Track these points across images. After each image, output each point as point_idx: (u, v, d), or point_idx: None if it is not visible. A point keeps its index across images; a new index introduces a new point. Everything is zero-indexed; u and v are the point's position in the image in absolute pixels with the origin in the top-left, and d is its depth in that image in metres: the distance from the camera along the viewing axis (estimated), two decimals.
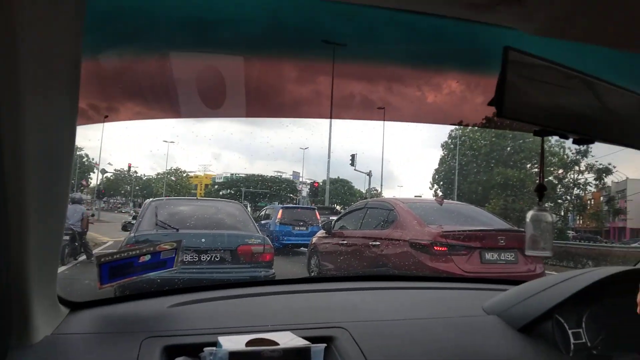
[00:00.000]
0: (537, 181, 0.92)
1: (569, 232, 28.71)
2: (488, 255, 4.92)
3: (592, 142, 0.92)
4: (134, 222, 5.97)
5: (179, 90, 1.16)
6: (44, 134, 0.77)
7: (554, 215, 0.94)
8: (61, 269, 7.73)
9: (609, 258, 12.91)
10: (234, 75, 1.15)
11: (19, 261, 0.80)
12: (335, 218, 7.44)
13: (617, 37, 0.81)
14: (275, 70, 1.41)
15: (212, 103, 1.16)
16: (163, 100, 1.23)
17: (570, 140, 0.94)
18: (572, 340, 1.20)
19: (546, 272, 4.99)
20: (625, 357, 1.13)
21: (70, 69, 0.80)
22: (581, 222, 33.76)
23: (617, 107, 0.93)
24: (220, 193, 40.32)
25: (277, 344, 0.96)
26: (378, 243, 5.53)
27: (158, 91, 1.22)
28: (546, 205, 0.92)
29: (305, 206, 19.55)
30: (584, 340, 1.21)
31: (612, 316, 1.26)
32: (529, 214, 0.90)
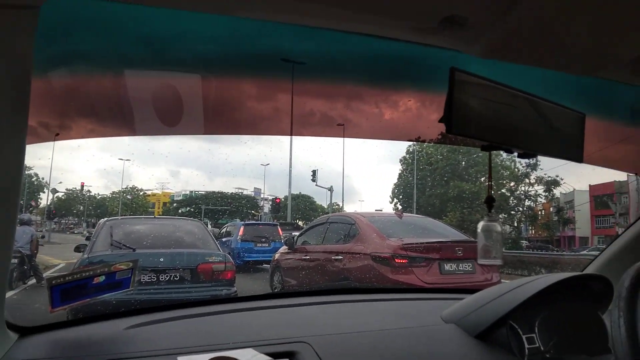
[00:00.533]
0: (487, 195, 0.97)
1: (522, 241, 29.86)
2: (447, 266, 5.05)
3: (535, 156, 0.99)
4: (87, 242, 5.74)
5: (134, 108, 1.14)
6: None
7: (502, 226, 0.99)
8: (9, 293, 7.29)
9: (560, 265, 13.51)
10: (191, 93, 1.15)
11: None
12: (297, 234, 7.43)
13: (552, 58, 0.88)
14: (234, 88, 1.42)
15: (168, 121, 1.15)
16: (117, 118, 1.21)
17: (516, 155, 1.00)
18: (526, 345, 1.25)
19: (502, 280, 5.16)
20: (575, 359, 1.19)
21: (20, 86, 0.78)
22: (533, 232, 35.19)
23: (558, 124, 1.01)
24: (180, 211, 39.36)
25: None
26: (340, 257, 5.56)
27: (112, 109, 1.20)
28: (498, 216, 0.98)
29: (267, 222, 19.39)
30: (537, 345, 1.26)
31: (563, 320, 1.33)
32: (480, 225, 0.95)
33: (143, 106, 1.15)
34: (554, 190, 29.15)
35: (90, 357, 0.97)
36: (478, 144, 0.95)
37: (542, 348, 1.27)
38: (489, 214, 0.95)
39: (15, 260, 7.91)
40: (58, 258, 12.01)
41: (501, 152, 0.98)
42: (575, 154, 1.05)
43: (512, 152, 0.95)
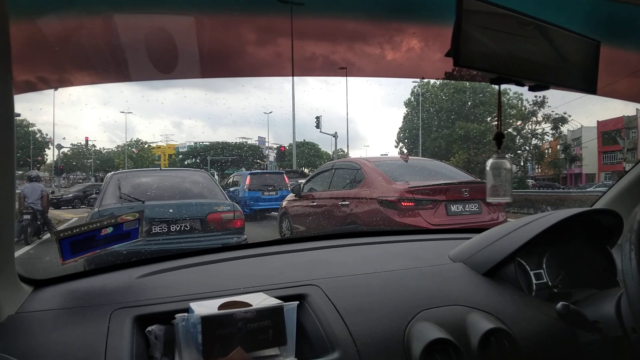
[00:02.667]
0: (500, 130, 0.94)
1: (528, 180, 29.92)
2: (453, 208, 5.08)
3: (547, 89, 0.94)
4: (97, 196, 5.81)
5: (127, 54, 1.10)
6: None
7: (512, 163, 0.97)
8: (26, 248, 7.51)
9: (567, 202, 13.58)
10: (185, 36, 1.10)
11: None
12: (303, 181, 7.47)
13: None
14: (230, 30, 1.35)
15: (164, 65, 1.11)
16: (112, 65, 1.16)
17: (527, 88, 0.95)
18: (534, 281, 1.26)
19: (508, 219, 5.20)
20: (584, 293, 1.20)
21: None
22: (540, 170, 35.17)
23: (570, 53, 0.95)
24: (186, 163, 39.54)
25: (249, 305, 0.96)
26: (347, 202, 5.60)
27: (107, 55, 1.15)
28: (505, 155, 0.95)
29: (273, 171, 19.48)
30: (545, 280, 1.28)
31: (570, 256, 1.33)
32: (489, 162, 0.93)
33: (137, 51, 1.10)
34: (561, 127, 28.81)
35: (104, 306, 0.99)
36: (486, 77, 0.91)
37: (550, 283, 1.29)
38: (498, 151, 0.92)
39: (28, 217, 8.09)
40: (70, 213, 12.25)
41: (509, 88, 0.94)
42: (588, 85, 1.00)
43: (522, 85, 0.91)
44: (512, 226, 1.34)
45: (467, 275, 1.27)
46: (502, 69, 0.85)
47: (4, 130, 0.81)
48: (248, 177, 12.17)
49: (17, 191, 8.89)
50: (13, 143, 0.85)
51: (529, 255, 1.29)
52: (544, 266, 1.31)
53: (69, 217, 11.77)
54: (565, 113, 28.40)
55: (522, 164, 30.66)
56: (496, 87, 0.92)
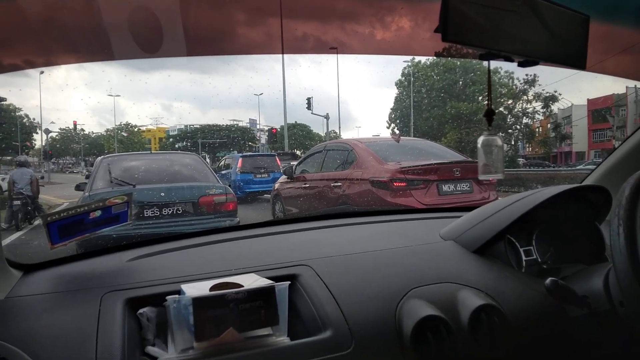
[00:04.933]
0: (491, 107, 0.93)
1: (519, 159, 30.12)
2: (445, 187, 5.11)
3: (536, 64, 0.93)
4: (87, 181, 5.76)
5: (111, 33, 1.07)
6: None
7: (503, 139, 0.97)
8: (17, 234, 7.47)
9: (557, 180, 13.71)
10: (171, 14, 1.07)
11: None
12: (295, 163, 7.45)
13: None
14: (218, 8, 1.32)
15: (150, 44, 1.08)
16: (96, 44, 1.13)
17: (516, 65, 0.94)
18: (523, 258, 1.28)
19: (499, 198, 5.25)
20: (572, 268, 1.21)
21: None
22: (530, 149, 35.39)
23: (560, 28, 0.94)
24: (176, 146, 39.23)
25: (241, 286, 0.96)
26: (339, 184, 5.61)
27: (90, 35, 1.12)
28: (497, 132, 0.94)
29: (265, 153, 19.39)
30: (534, 257, 1.29)
31: (559, 232, 1.34)
32: (480, 140, 0.92)
33: (122, 29, 1.07)
34: (552, 106, 28.87)
35: (94, 289, 0.99)
36: (476, 54, 0.90)
37: (539, 260, 1.30)
38: (489, 128, 0.91)
39: (19, 202, 8.02)
40: (60, 198, 12.14)
41: (500, 66, 0.93)
42: (578, 61, 0.99)
43: (512, 60, 0.90)
44: (502, 204, 1.35)
45: (458, 253, 1.28)
46: (490, 44, 0.84)
47: None
48: (240, 160, 12.13)
49: (6, 177, 8.80)
50: None
51: (519, 232, 1.30)
52: (534, 243, 1.32)
53: (60, 202, 11.67)
54: (555, 91, 28.45)
55: (512, 142, 30.80)
56: (486, 64, 0.91)
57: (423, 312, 0.97)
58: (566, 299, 1.06)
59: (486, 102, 0.94)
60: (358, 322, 0.97)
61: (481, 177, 0.95)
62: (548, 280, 1.03)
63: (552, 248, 1.33)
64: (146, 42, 1.07)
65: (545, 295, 1.07)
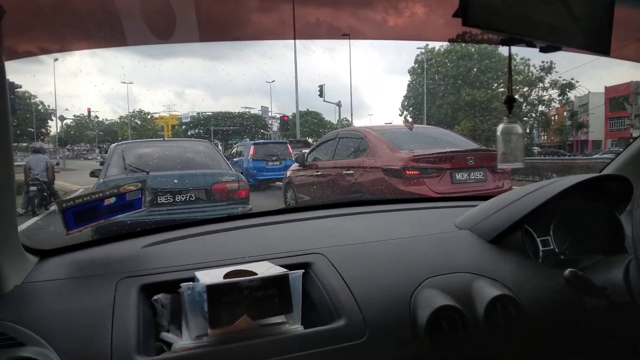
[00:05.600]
0: (507, 94, 0.91)
1: (534, 148, 29.70)
2: (458, 176, 5.06)
3: (559, 49, 0.90)
4: (102, 167, 5.81)
5: (124, 18, 1.06)
6: None
7: (523, 127, 0.94)
8: (33, 219, 7.61)
9: (573, 170, 13.48)
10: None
11: None
12: (307, 151, 7.43)
13: None
14: None
15: (163, 30, 1.07)
16: (109, 30, 1.13)
17: (537, 50, 0.92)
18: (540, 248, 1.25)
19: (514, 187, 5.18)
20: (591, 259, 1.19)
21: None
22: (545, 137, 34.86)
23: (583, 11, 0.91)
24: (189, 133, 39.44)
25: (255, 274, 0.96)
26: (351, 171, 5.58)
27: (103, 21, 1.11)
28: (516, 119, 0.92)
29: (277, 141, 19.39)
30: (552, 247, 1.27)
31: (577, 222, 1.32)
32: (500, 127, 0.90)
33: (134, 14, 1.06)
34: (568, 93, 28.32)
35: (110, 275, 0.99)
36: (493, 40, 0.87)
37: (556, 250, 1.28)
38: (509, 115, 0.89)
39: (35, 188, 8.15)
40: (76, 184, 12.32)
41: (516, 53, 0.90)
42: (601, 46, 0.96)
43: (534, 46, 0.87)
44: (520, 193, 1.32)
45: (473, 242, 1.26)
46: (512, 29, 0.81)
47: None
48: (252, 147, 12.15)
49: (22, 163, 8.94)
50: (7, 112, 0.83)
51: (536, 222, 1.28)
52: (551, 233, 1.30)
53: (76, 188, 11.84)
54: (572, 79, 27.89)
55: (528, 131, 30.34)
56: (504, 51, 0.88)
57: (438, 302, 0.96)
58: (585, 290, 1.04)
59: (501, 89, 0.91)
60: (372, 312, 0.96)
61: (500, 166, 0.93)
62: (567, 271, 1.01)
63: (570, 238, 1.31)
64: (159, 27, 1.06)
65: (563, 286, 1.06)
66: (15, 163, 0.98)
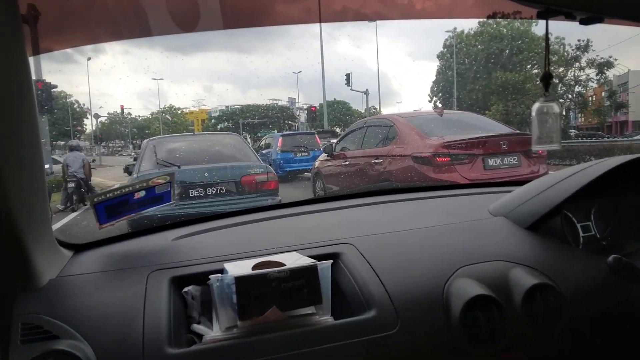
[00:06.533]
0: (543, 71, 0.86)
1: (570, 130, 28.65)
2: (491, 161, 4.92)
3: (601, 21, 0.84)
4: (135, 163, 5.96)
5: (147, 9, 1.06)
6: None
7: (561, 106, 0.89)
8: (72, 215, 7.89)
9: (613, 152, 12.91)
10: None
11: (3, 207, 0.77)
12: (335, 140, 7.39)
13: None
14: None
15: (186, 18, 1.07)
16: (135, 21, 1.13)
17: (578, 23, 0.86)
18: (581, 234, 1.19)
19: (550, 172, 5.01)
20: (635, 244, 1.12)
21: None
22: (582, 119, 33.55)
23: None
24: (218, 127, 39.99)
25: (283, 264, 0.95)
26: (380, 160, 5.52)
27: (129, 12, 1.12)
28: (554, 98, 0.87)
29: (304, 132, 19.40)
30: (593, 233, 1.20)
31: (620, 206, 1.25)
32: (535, 106, 0.85)
33: (158, 4, 1.06)
34: (606, 72, 27.05)
35: (141, 268, 1.00)
36: (529, 13, 0.82)
37: (598, 236, 1.21)
38: (546, 94, 0.84)
39: (73, 185, 8.46)
40: (112, 179, 12.71)
41: (550, 32, 0.84)
42: None
43: (574, 18, 0.81)
44: (558, 177, 1.26)
45: (509, 229, 1.21)
46: (550, 0, 0.76)
47: (24, 99, 0.80)
48: (280, 139, 12.20)
49: (61, 160, 9.28)
50: (36, 113, 0.84)
51: (576, 206, 1.22)
52: (592, 218, 1.23)
53: (112, 184, 12.22)
54: (610, 57, 26.57)
55: (564, 113, 29.23)
56: (537, 30, 0.83)
57: (473, 292, 0.93)
58: (630, 277, 0.98)
59: (535, 70, 0.86)
60: (404, 302, 0.94)
61: (535, 148, 0.88)
62: (611, 258, 0.95)
63: (612, 223, 1.24)
64: (185, 16, 1.06)
65: (606, 272, 1.00)
66: (55, 161, 1.00)
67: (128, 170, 5.86)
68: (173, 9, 1.03)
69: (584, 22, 0.83)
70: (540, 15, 0.79)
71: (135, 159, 7.18)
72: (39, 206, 0.91)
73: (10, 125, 0.77)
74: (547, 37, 0.86)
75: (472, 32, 32.88)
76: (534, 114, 0.86)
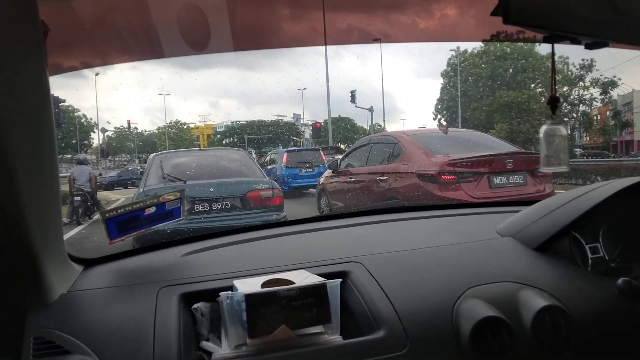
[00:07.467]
0: (548, 95, 0.87)
1: (575, 149, 28.59)
2: (497, 180, 4.92)
3: (606, 45, 0.86)
4: (141, 177, 5.99)
5: (161, 31, 1.09)
6: (13, 90, 0.73)
7: (567, 128, 0.90)
8: (78, 228, 7.91)
9: (619, 172, 12.85)
10: (218, 11, 1.07)
11: (18, 221, 0.78)
12: (340, 157, 7.41)
13: None
14: (263, 3, 1.32)
15: (198, 41, 1.09)
16: (147, 43, 1.16)
17: (582, 48, 0.87)
18: (589, 255, 1.19)
19: (556, 191, 4.99)
20: None
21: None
22: (587, 138, 33.52)
23: (630, 5, 0.86)
24: (224, 142, 40.21)
25: (292, 282, 0.96)
26: (385, 177, 5.53)
27: (141, 34, 1.15)
28: (561, 120, 0.88)
29: (309, 148, 19.48)
30: (601, 254, 1.20)
31: (629, 228, 1.25)
32: (542, 129, 0.86)
33: (171, 27, 1.09)
34: (611, 92, 27.13)
35: (151, 284, 1.01)
36: (534, 36, 0.83)
37: (606, 257, 1.21)
38: (553, 116, 0.85)
39: (79, 198, 8.50)
40: (117, 194, 12.77)
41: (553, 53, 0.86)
42: None
43: (579, 42, 0.83)
44: (566, 197, 1.26)
45: (518, 250, 1.21)
46: (556, 26, 0.78)
47: (42, 112, 0.82)
48: (285, 155, 12.26)
49: (67, 174, 9.35)
50: (52, 126, 0.86)
51: (584, 228, 1.22)
52: (600, 239, 1.23)
53: (117, 198, 12.27)
54: (615, 76, 26.70)
55: (569, 132, 29.22)
56: (541, 50, 0.85)
57: (482, 313, 0.92)
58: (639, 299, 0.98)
59: (539, 89, 0.88)
60: (413, 322, 0.94)
61: (544, 170, 0.89)
62: (620, 280, 0.95)
63: (621, 245, 1.24)
64: (196, 38, 1.08)
65: (615, 295, 1.00)
66: (61, 174, 1.01)
67: (134, 184, 5.90)
68: (185, 31, 1.06)
69: (589, 46, 0.84)
70: (546, 40, 0.80)
71: (141, 173, 7.22)
72: (53, 220, 0.92)
73: (29, 138, 0.79)
74: (553, 60, 0.88)
75: (476, 51, 33.16)
76: (541, 136, 0.87)
